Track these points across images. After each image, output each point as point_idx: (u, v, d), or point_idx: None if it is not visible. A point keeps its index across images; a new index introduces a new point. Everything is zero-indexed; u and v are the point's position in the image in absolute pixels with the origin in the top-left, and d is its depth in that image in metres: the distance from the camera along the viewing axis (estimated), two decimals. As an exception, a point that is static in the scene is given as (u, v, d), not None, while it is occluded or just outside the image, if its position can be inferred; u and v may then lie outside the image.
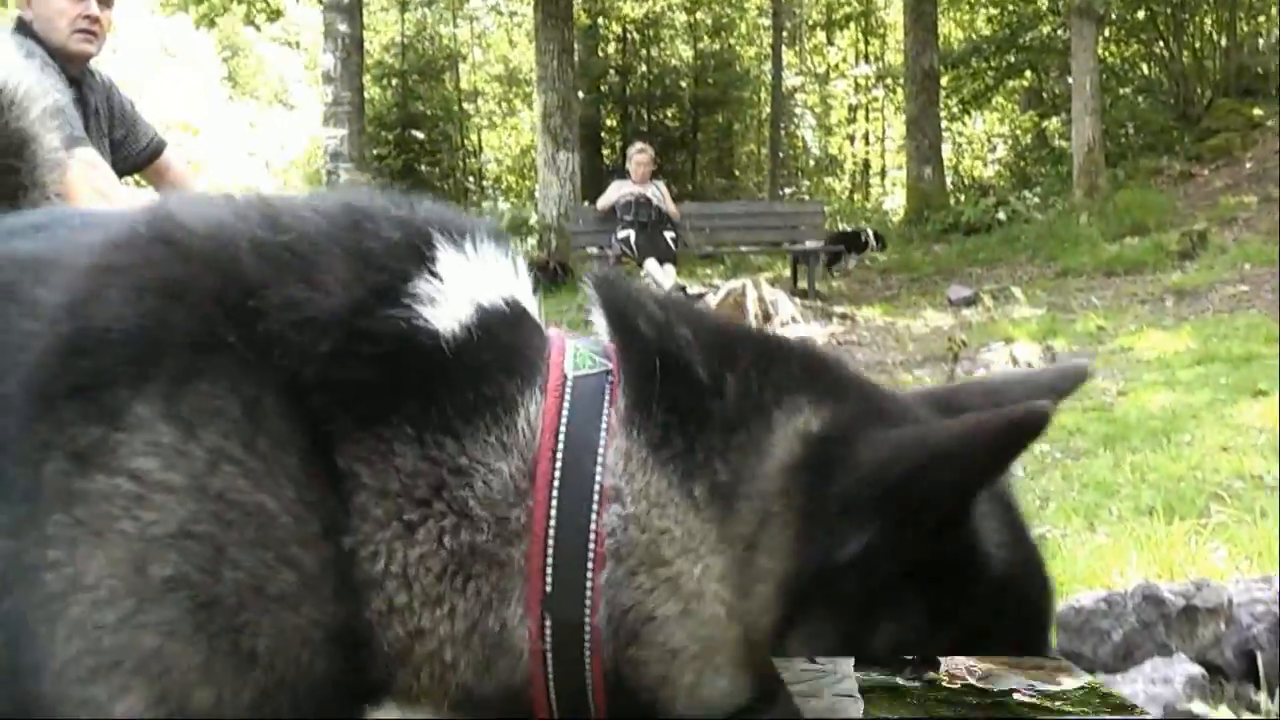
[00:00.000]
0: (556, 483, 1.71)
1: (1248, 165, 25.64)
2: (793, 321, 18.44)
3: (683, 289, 19.44)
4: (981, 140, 41.49)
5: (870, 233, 26.09)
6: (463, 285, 1.81)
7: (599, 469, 1.72)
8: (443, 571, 1.69)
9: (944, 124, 33.42)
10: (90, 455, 1.63)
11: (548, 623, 1.69)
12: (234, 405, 1.66)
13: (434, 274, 1.79)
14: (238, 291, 1.71)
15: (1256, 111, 28.11)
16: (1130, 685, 4.17)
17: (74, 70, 6.25)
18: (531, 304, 1.93)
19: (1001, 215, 27.05)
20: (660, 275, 19.46)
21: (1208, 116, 29.16)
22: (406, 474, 1.69)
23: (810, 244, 22.59)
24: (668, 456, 1.72)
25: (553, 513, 1.70)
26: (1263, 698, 4.37)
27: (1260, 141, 26.69)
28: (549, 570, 1.69)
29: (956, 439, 1.59)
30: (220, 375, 1.67)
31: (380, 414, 1.70)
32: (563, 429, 1.74)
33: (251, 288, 1.72)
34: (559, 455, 1.72)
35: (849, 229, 27.68)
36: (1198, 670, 4.25)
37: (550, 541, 1.69)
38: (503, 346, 1.80)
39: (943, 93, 32.38)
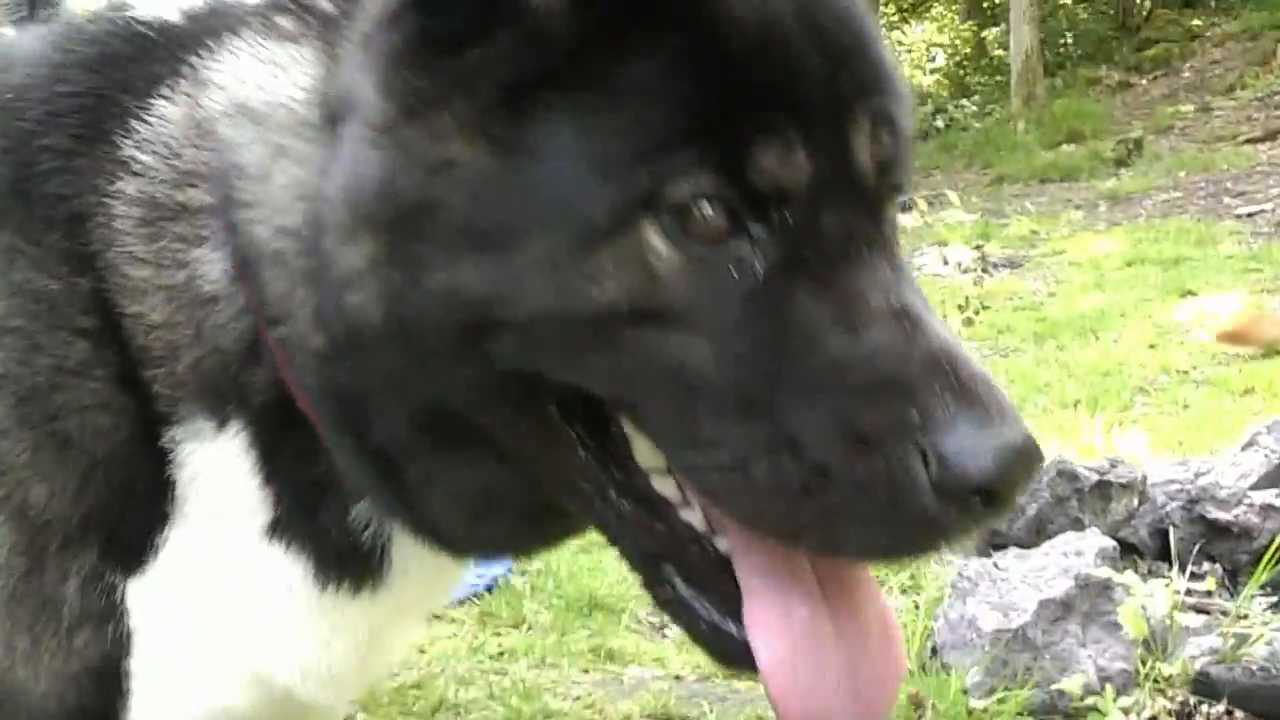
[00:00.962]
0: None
1: (1185, 75, 25.69)
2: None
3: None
4: (920, 49, 41.38)
5: None
6: None
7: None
8: (145, 251, 1.70)
9: (883, 33, 33.24)
10: None
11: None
12: (17, 205, 1.71)
13: None
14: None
15: (1195, 22, 28.15)
16: (1044, 558, 4.19)
17: None
18: None
19: (939, 123, 27.04)
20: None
21: (1147, 27, 29.18)
22: (114, 173, 1.72)
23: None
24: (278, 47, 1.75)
25: None
26: (1174, 574, 4.41)
27: (1199, 52, 26.74)
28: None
29: None
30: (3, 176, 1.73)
31: (99, 127, 1.74)
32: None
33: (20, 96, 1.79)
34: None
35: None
36: (1109, 542, 4.28)
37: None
38: (212, 25, 1.82)
39: (880, 1, 32.23)
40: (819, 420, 1.43)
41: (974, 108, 27.76)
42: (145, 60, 1.78)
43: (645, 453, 1.58)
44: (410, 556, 1.81)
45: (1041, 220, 16.77)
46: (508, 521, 1.73)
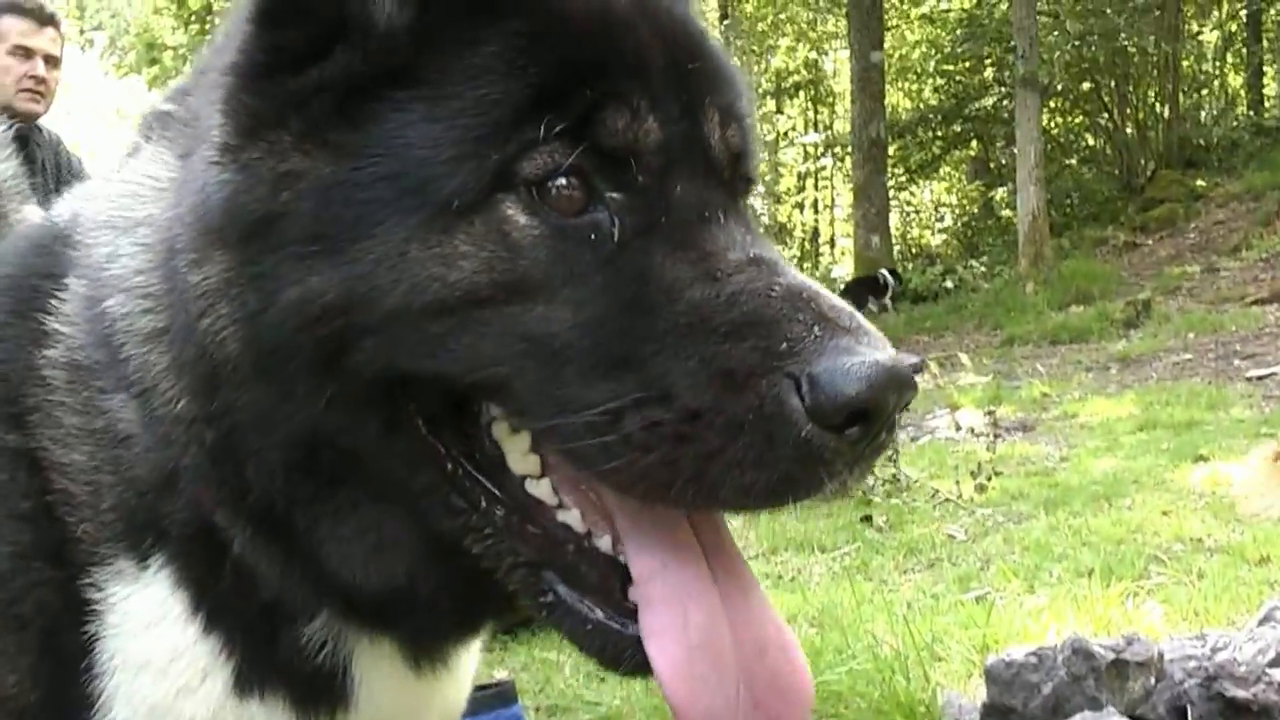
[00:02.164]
0: None
1: (1191, 235, 25.92)
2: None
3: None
4: (929, 209, 41.71)
5: (886, 274, 26.25)
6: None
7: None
8: (74, 401, 1.79)
9: (891, 193, 33.67)
10: None
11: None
12: None
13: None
14: None
15: (1199, 183, 28.46)
16: (1061, 739, 4.18)
17: (22, 128, 6.30)
18: None
19: (949, 283, 27.23)
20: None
21: (1151, 187, 29.47)
22: (42, 343, 1.85)
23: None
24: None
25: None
26: (1194, 753, 4.39)
27: (1203, 212, 26.98)
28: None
29: None
30: None
31: (29, 305, 1.86)
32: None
33: None
34: None
35: (864, 276, 27.73)
36: (1127, 722, 4.27)
37: None
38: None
39: (890, 162, 32.62)
40: (687, 367, 1.45)
41: (982, 268, 27.97)
42: (64, 246, 1.88)
43: (518, 460, 1.60)
44: (372, 670, 1.84)
45: (1053, 383, 16.83)
46: (406, 564, 1.69)
